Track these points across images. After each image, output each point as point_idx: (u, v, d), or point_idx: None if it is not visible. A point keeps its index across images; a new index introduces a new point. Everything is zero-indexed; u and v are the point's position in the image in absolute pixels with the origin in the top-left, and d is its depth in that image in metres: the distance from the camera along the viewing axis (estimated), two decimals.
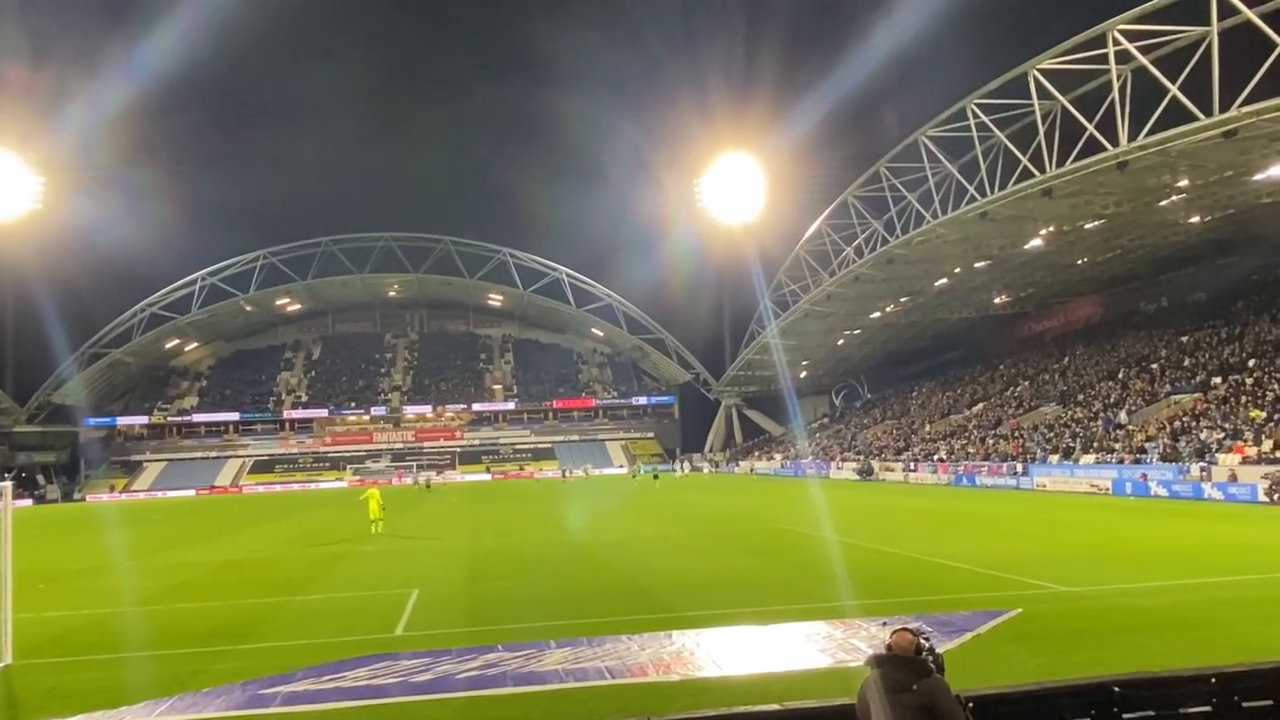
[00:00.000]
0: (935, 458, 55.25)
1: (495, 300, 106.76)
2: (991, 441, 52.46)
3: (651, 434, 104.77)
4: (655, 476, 64.17)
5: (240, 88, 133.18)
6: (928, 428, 63.80)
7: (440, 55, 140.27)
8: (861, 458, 64.03)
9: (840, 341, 77.80)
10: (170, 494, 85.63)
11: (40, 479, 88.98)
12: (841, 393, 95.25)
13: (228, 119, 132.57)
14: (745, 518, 33.24)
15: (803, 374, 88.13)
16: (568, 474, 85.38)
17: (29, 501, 76.13)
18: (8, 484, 12.31)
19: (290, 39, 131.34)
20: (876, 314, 67.96)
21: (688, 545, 24.32)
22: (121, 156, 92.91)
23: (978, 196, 43.13)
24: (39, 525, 44.71)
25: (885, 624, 5.86)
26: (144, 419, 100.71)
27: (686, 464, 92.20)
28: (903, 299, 63.79)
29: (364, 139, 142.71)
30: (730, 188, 78.00)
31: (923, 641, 5.30)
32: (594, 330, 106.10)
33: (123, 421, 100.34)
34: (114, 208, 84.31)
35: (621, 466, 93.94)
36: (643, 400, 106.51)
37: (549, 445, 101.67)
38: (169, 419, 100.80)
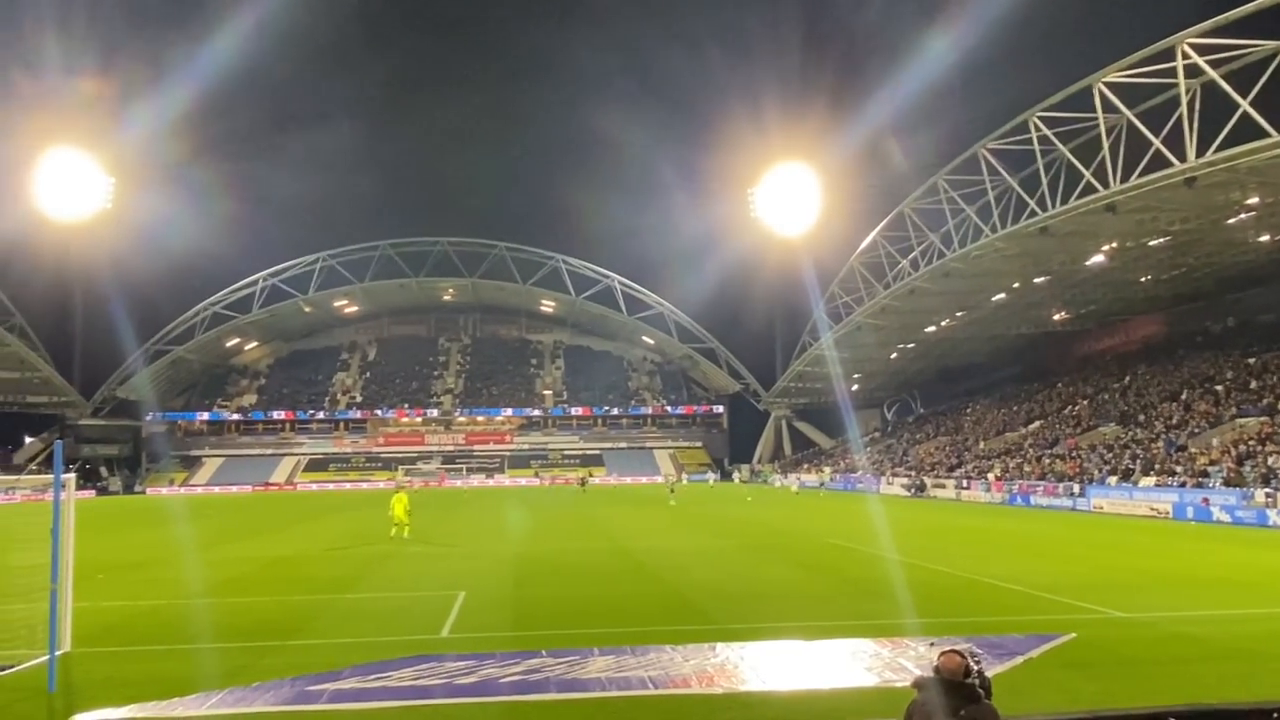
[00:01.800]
0: (989, 476, 54.28)
1: (547, 306, 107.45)
2: (1048, 461, 51.39)
3: (700, 443, 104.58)
4: (671, 490, 56.66)
5: (302, 89, 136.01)
6: (982, 445, 62.73)
7: (496, 63, 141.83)
8: (913, 473, 63.16)
9: (894, 355, 76.89)
10: (227, 489, 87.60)
11: (103, 471, 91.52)
12: (894, 407, 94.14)
13: (288, 120, 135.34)
14: (792, 531, 32.95)
15: (854, 387, 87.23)
16: (585, 482, 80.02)
17: (91, 493, 78.31)
18: (71, 475, 12.65)
19: (353, 41, 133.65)
20: (931, 328, 67.05)
21: (733, 557, 24.19)
22: (187, 157, 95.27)
23: (1038, 211, 42.37)
24: (100, 517, 45.94)
25: (933, 644, 5.75)
26: (204, 415, 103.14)
27: (715, 475, 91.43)
28: (959, 313, 62.84)
29: (422, 143, 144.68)
30: (784, 198, 77.71)
31: (971, 664, 5.18)
32: (644, 338, 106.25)
33: (183, 417, 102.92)
34: (179, 207, 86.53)
35: (670, 475, 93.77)
36: (692, 409, 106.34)
37: (597, 452, 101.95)
38: (228, 416, 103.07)
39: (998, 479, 52.43)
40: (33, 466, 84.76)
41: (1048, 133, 40.92)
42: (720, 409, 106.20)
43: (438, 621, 14.64)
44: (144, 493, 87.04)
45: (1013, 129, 43.59)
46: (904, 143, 65.16)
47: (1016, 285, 55.20)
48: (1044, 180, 42.02)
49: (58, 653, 11.02)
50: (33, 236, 75.43)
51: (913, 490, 59.42)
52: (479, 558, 24.30)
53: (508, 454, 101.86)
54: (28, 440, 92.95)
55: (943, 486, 57.44)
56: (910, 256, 57.79)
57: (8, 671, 11.35)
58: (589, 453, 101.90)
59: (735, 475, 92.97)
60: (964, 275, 52.97)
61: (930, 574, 19.97)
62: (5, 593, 13.44)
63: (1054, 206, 41.35)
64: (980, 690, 5.11)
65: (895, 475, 65.66)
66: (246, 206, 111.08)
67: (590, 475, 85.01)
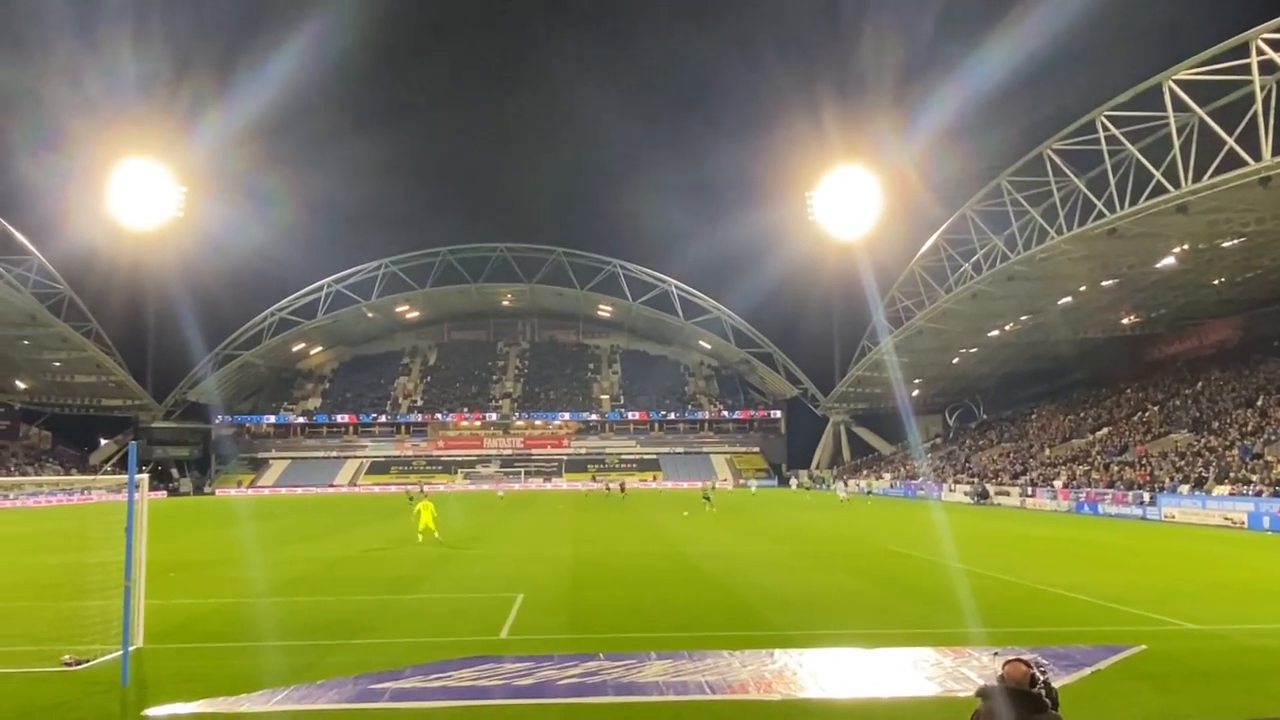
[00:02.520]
0: (1055, 483, 53.07)
1: (605, 311, 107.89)
2: (1116, 468, 50.08)
3: (757, 448, 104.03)
4: (706, 497, 51.86)
5: (365, 98, 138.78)
6: (1047, 452, 61.36)
7: (554, 69, 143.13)
8: (975, 480, 62.03)
9: (955, 360, 75.62)
10: (293, 491, 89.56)
11: (174, 472, 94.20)
12: (956, 413, 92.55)
13: (351, 129, 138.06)
14: (851, 538, 32.59)
15: (915, 392, 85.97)
16: (624, 488, 75.70)
17: (163, 493, 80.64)
18: (144, 476, 13.03)
19: (415, 49, 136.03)
20: (995, 332, 65.83)
21: (791, 563, 23.99)
22: (254, 166, 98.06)
23: (1106, 212, 41.37)
24: (171, 517, 47.26)
25: (997, 654, 5.64)
26: (271, 418, 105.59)
27: (756, 482, 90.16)
28: (1023, 317, 61.60)
29: (482, 150, 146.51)
30: (843, 201, 77.07)
31: (1037, 674, 5.08)
32: (701, 343, 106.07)
33: (251, 420, 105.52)
34: (247, 215, 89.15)
35: (726, 480, 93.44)
36: (749, 414, 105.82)
37: (654, 456, 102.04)
38: (294, 419, 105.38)
39: (1064, 487, 51.24)
40: (107, 467, 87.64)
41: (1116, 132, 39.94)
42: (778, 414, 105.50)
43: (496, 623, 14.77)
44: (213, 494, 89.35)
45: (1079, 129, 42.64)
46: (966, 144, 64.06)
47: (1083, 288, 53.94)
48: (1112, 181, 41.01)
49: (131, 648, 11.35)
50: (108, 245, 78.19)
51: (975, 498, 58.34)
52: (537, 561, 24.46)
53: (565, 458, 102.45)
54: (103, 442, 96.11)
55: (1006, 494, 56.31)
56: (973, 259, 56.83)
57: (83, 666, 11.73)
58: (646, 457, 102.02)
59: (793, 481, 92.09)
60: (1029, 278, 51.92)
61: (993, 582, 19.59)
62: (82, 589, 13.90)
63: (1123, 208, 40.33)
64: (1047, 700, 5.01)
65: (957, 482, 64.54)
66: (311, 214, 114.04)
67: (624, 482, 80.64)
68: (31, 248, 70.08)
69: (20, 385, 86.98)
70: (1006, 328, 64.41)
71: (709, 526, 37.84)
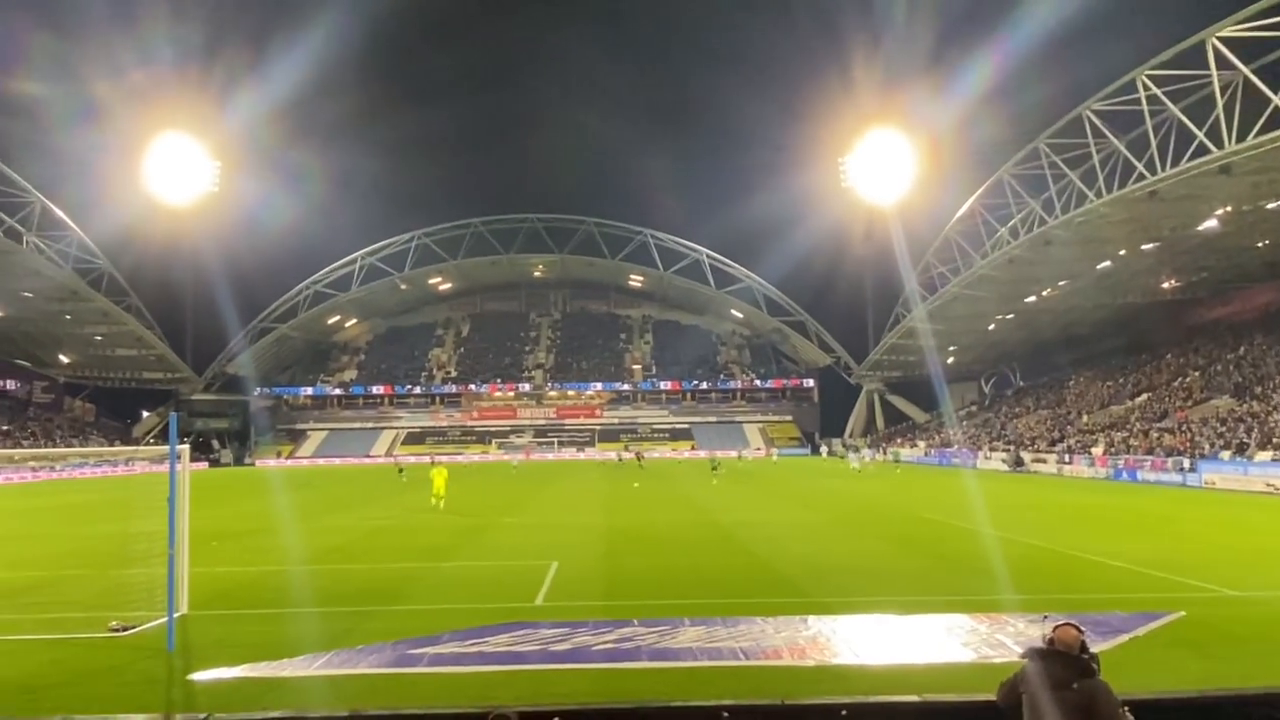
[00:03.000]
0: (1093, 450, 52.49)
1: (636, 281, 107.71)
2: (1156, 435, 49.40)
3: (790, 417, 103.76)
4: (714, 467, 52.01)
5: (396, 71, 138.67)
6: (1085, 419, 60.65)
7: (578, 35, 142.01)
8: (1011, 448, 61.51)
9: (991, 326, 74.73)
10: (330, 461, 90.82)
11: (215, 444, 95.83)
12: (991, 380, 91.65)
13: (383, 103, 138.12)
14: (884, 506, 32.49)
15: (950, 359, 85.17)
16: (641, 457, 73.19)
17: (204, 465, 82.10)
18: (185, 447, 13.25)
19: (436, 24, 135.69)
20: (1032, 298, 64.90)
21: (824, 531, 23.98)
22: (288, 140, 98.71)
23: (1146, 174, 40.53)
24: (212, 487, 48.16)
25: (1046, 618, 5.63)
26: (308, 390, 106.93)
27: (776, 451, 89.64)
28: (1061, 283, 60.67)
29: (508, 120, 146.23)
30: (877, 166, 75.97)
31: (1085, 639, 5.08)
32: (733, 312, 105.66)
33: (289, 392, 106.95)
34: (282, 189, 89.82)
35: (759, 449, 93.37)
36: (781, 383, 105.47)
37: (686, 426, 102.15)
38: (330, 391, 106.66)
39: (1102, 453, 50.68)
40: (149, 439, 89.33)
41: (1157, 92, 39.01)
42: (810, 382, 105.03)
43: (531, 590, 14.93)
44: (253, 465, 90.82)
45: (1119, 89, 41.72)
46: (1004, 106, 62.70)
47: (1123, 252, 53.00)
48: (1153, 142, 40.13)
49: (176, 615, 11.62)
50: (145, 220, 79.06)
51: (1011, 465, 57.89)
52: (570, 529, 24.64)
53: (598, 428, 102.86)
54: (144, 414, 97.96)
55: (1043, 461, 55.82)
56: (1009, 224, 55.99)
57: (131, 632, 12.03)
58: (678, 427, 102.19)
59: (823, 449, 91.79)
60: (1067, 243, 51.09)
61: (1029, 549, 19.46)
62: (127, 558, 14.21)
63: (1164, 169, 39.48)
64: (1095, 665, 4.99)
65: (993, 450, 64.04)
66: (344, 187, 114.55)
67: (641, 451, 79.24)
68: (71, 223, 71.05)
69: (64, 359, 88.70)
70: (1044, 293, 63.49)
71: (741, 495, 37.90)
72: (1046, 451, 57.32)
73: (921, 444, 78.43)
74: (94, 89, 78.23)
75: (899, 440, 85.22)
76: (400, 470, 55.61)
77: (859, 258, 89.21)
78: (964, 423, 79.26)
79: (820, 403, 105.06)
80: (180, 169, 78.62)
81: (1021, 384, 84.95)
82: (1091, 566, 17.13)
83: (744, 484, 45.21)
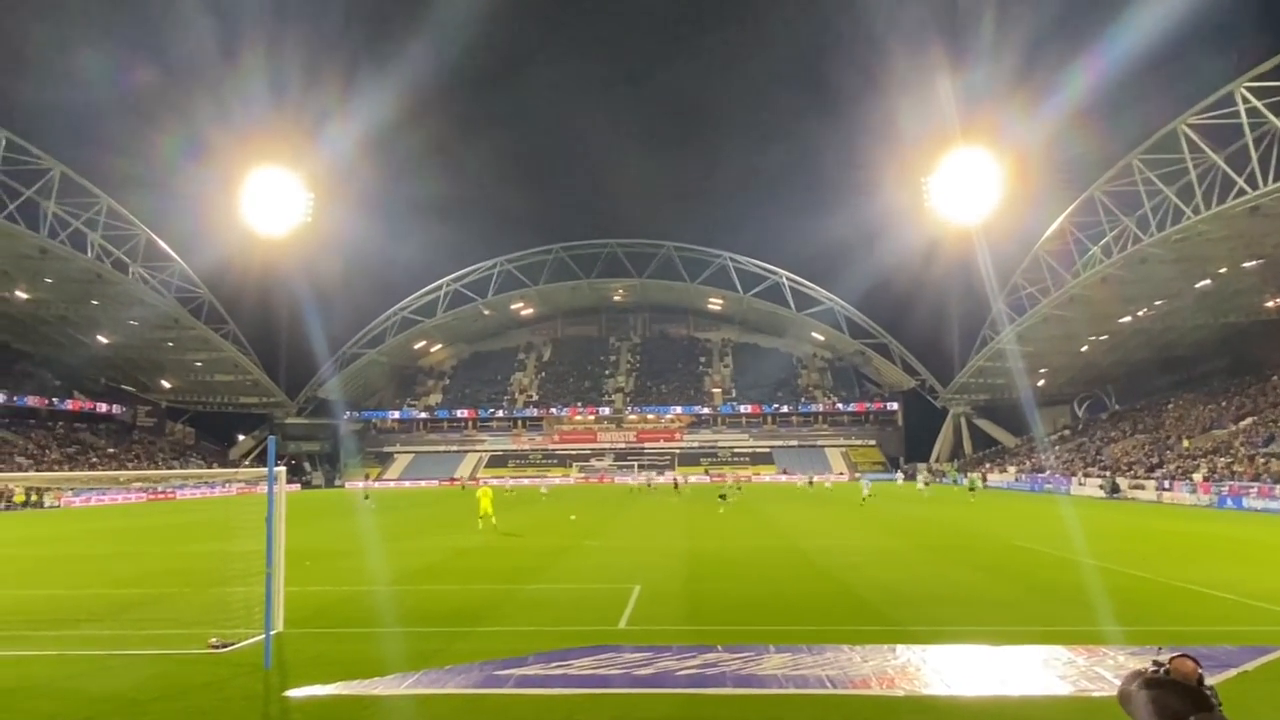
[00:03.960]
0: (1194, 476, 50.31)
1: (715, 304, 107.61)
2: (1262, 460, 47.11)
3: (873, 441, 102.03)
4: (722, 495, 48.62)
5: (480, 103, 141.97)
6: (1185, 443, 58.19)
7: (659, 61, 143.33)
8: (1107, 474, 59.34)
9: (1084, 348, 72.45)
10: (417, 484, 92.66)
11: (306, 466, 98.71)
12: (1085, 403, 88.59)
13: (467, 133, 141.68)
14: (972, 533, 31.64)
15: (1040, 382, 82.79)
16: (678, 486, 71.60)
17: (297, 486, 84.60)
18: (281, 469, 13.70)
19: (517, 55, 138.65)
20: (1127, 318, 62.76)
21: (909, 558, 23.46)
22: (377, 171, 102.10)
23: (1248, 189, 38.98)
24: (305, 508, 49.53)
25: (1160, 650, 5.40)
26: (395, 414, 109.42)
27: (845, 474, 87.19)
28: (1157, 302, 58.55)
29: (590, 146, 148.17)
30: (962, 186, 74.73)
31: (1203, 673, 4.85)
32: (814, 334, 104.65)
33: (377, 416, 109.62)
34: (371, 219, 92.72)
35: (842, 474, 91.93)
36: (864, 407, 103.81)
37: (767, 450, 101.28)
38: (416, 414, 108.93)
39: (1204, 480, 48.52)
40: (245, 461, 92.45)
41: (1258, 104, 37.60)
42: (895, 406, 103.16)
43: (614, 613, 14.95)
44: (343, 486, 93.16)
45: (1217, 102, 40.28)
46: (1095, 123, 61.02)
47: (1223, 270, 50.95)
48: (1254, 156, 38.64)
49: (272, 632, 11.97)
50: (243, 250, 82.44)
51: (1107, 491, 55.85)
52: (652, 553, 24.62)
53: (677, 452, 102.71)
54: (240, 438, 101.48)
55: (1141, 488, 53.69)
56: (1102, 242, 54.42)
57: (230, 648, 12.43)
58: (758, 450, 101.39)
59: (920, 479, 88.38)
60: (1163, 261, 49.38)
61: (1128, 579, 18.72)
62: (227, 577, 14.76)
63: (1266, 183, 37.95)
64: (1215, 699, 4.77)
65: (1087, 475, 61.88)
66: (429, 216, 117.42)
67: (684, 479, 76.85)
68: (174, 254, 74.41)
69: (166, 385, 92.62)
70: (1139, 313, 61.35)
71: (824, 521, 37.36)
72: (1145, 477, 55.13)
73: (1011, 469, 76.23)
74: (198, 126, 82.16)
75: (988, 465, 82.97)
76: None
77: (943, 278, 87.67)
78: (1056, 447, 76.84)
79: (905, 426, 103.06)
80: (275, 201, 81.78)
81: (1117, 407, 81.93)
82: (1195, 597, 16.39)
83: (823, 508, 44.57)
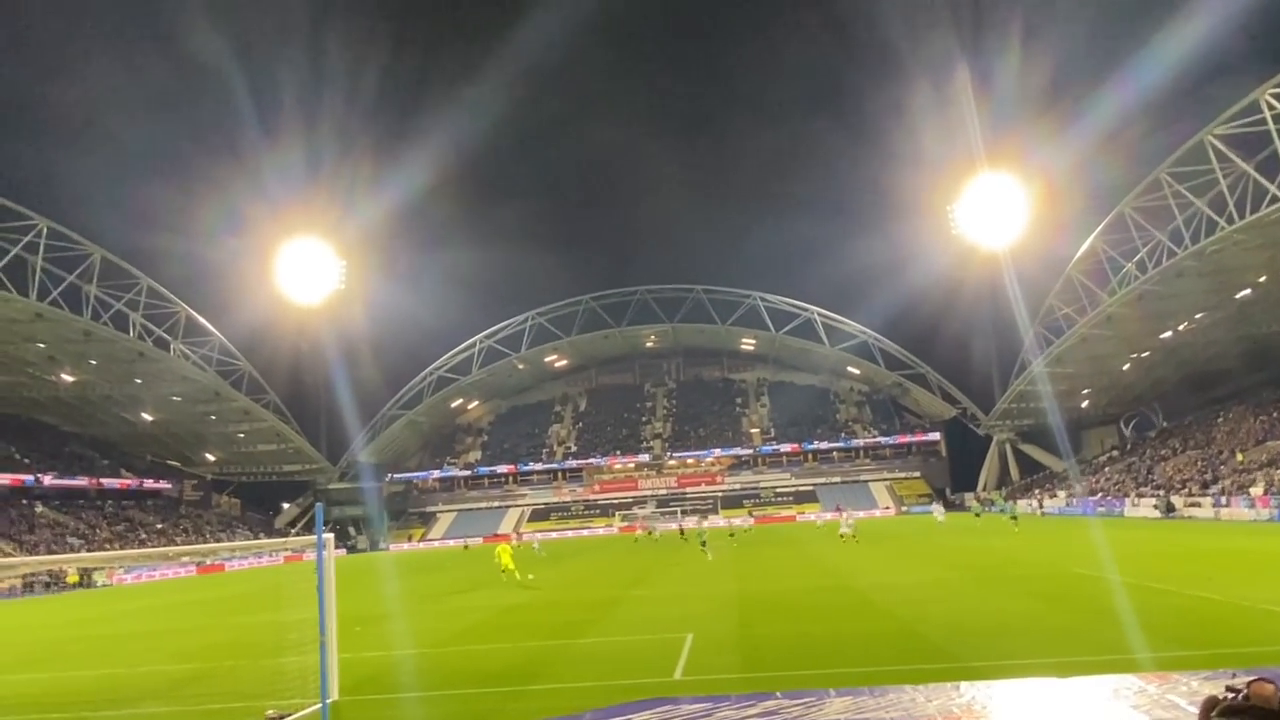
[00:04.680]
0: (1251, 491, 49.02)
1: (748, 344, 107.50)
2: None
3: (918, 473, 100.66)
4: (703, 542, 44.19)
5: (508, 168, 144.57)
6: (1240, 457, 56.80)
7: (678, 104, 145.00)
8: (1160, 493, 58.02)
9: (1126, 366, 71.32)
10: (461, 542, 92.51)
11: (351, 530, 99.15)
12: (1132, 422, 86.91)
13: (495, 195, 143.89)
14: (1028, 561, 30.97)
15: (1084, 404, 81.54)
16: (653, 529, 71.75)
17: (342, 551, 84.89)
18: (330, 535, 13.78)
19: (541, 123, 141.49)
20: (1167, 334, 61.79)
21: (966, 590, 23.00)
22: (407, 236, 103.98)
23: None
24: (351, 573, 49.63)
25: (1235, 675, 5.25)
26: (436, 473, 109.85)
27: (892, 509, 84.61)
28: (1198, 315, 57.65)
29: (614, 200, 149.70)
30: (988, 211, 74.45)
31: None
32: (850, 368, 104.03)
33: (418, 476, 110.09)
34: (402, 282, 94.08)
35: (888, 508, 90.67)
36: (906, 439, 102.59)
37: (810, 488, 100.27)
38: (457, 472, 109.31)
39: (1263, 494, 47.27)
40: (290, 529, 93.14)
41: None
42: (936, 436, 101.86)
43: (669, 664, 14.75)
44: (387, 549, 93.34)
45: (1242, 110, 39.95)
46: (1122, 142, 60.53)
47: (1263, 279, 50.12)
48: None
49: (329, 701, 11.94)
50: (279, 318, 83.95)
51: (1162, 511, 54.56)
52: (700, 599, 24.34)
53: (720, 495, 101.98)
54: (285, 506, 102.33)
55: (1197, 505, 52.43)
56: (1135, 259, 53.84)
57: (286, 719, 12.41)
58: (802, 489, 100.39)
59: (934, 507, 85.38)
60: (1200, 274, 48.73)
61: (1193, 601, 18.19)
62: (280, 647, 14.77)
63: None
64: None
65: (1140, 496, 60.53)
66: (460, 275, 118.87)
67: (701, 521, 68.44)
68: (213, 329, 75.91)
69: (210, 457, 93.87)
70: (1180, 328, 60.41)
71: (873, 557, 36.79)
72: (1200, 495, 53.83)
73: (1061, 494, 74.80)
74: (235, 200, 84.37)
75: (1037, 491, 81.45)
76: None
77: (975, 304, 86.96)
78: (1106, 469, 75.37)
79: (949, 456, 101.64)
80: (309, 270, 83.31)
81: (1165, 425, 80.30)
82: (1265, 616, 15.87)
83: (875, 545, 43.88)
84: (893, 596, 22.14)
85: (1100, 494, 67.13)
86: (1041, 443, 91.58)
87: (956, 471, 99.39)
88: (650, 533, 71.90)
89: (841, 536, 45.87)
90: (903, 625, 17.54)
